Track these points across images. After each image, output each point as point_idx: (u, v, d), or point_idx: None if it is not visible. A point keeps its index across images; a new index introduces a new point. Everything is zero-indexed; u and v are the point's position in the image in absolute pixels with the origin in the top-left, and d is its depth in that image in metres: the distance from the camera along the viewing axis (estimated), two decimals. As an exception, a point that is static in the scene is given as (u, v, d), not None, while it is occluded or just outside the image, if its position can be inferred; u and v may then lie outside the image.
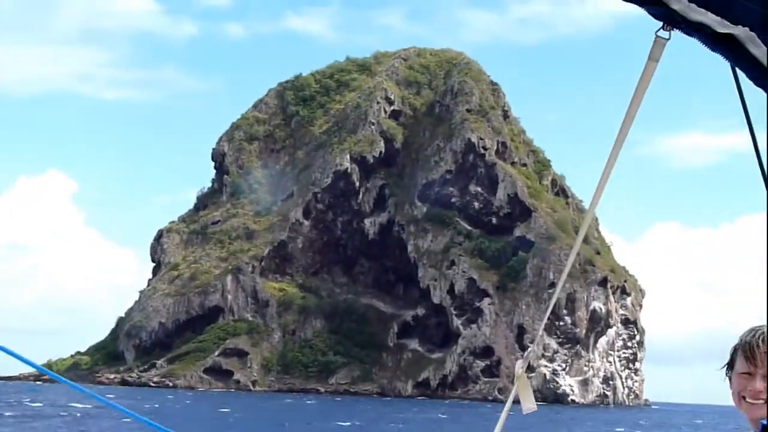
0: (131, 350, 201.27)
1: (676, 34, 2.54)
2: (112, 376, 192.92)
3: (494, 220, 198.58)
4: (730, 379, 3.49)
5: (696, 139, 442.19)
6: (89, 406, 78.31)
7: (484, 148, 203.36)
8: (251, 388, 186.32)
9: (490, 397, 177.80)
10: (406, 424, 73.96)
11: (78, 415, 72.88)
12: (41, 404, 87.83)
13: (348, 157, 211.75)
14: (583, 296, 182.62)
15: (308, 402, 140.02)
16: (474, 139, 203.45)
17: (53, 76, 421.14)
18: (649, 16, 2.45)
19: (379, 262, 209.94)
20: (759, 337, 3.38)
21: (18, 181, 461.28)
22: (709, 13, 2.43)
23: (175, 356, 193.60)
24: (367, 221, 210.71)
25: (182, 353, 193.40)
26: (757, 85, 2.61)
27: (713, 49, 2.55)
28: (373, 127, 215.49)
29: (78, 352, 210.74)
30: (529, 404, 3.46)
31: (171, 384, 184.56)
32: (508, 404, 3.43)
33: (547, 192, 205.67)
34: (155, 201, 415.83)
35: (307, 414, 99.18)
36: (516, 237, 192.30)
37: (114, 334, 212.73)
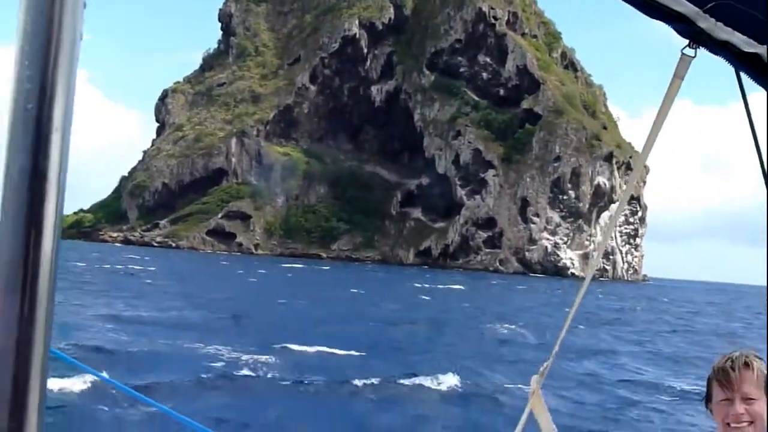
0: (134, 210, 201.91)
1: (702, 51, 2.51)
2: (115, 235, 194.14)
3: (502, 92, 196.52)
4: (711, 412, 3.52)
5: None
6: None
7: (495, 18, 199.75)
8: (253, 251, 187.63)
9: (491, 268, 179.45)
10: (430, 295, 73.90)
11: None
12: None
13: (357, 22, 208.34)
14: (588, 171, 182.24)
15: (324, 267, 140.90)
16: (485, 9, 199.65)
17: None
18: (675, 33, 2.42)
19: (384, 130, 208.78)
20: (733, 362, 3.41)
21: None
22: (736, 32, 2.39)
23: (178, 217, 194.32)
24: (373, 88, 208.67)
25: (185, 214, 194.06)
26: (757, 82, 2.55)
27: (738, 68, 2.52)
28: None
29: (81, 210, 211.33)
30: (548, 428, 3.23)
31: (173, 245, 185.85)
32: (523, 422, 3.21)
33: (556, 65, 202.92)
34: (158, 61, 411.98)
35: (332, 279, 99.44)
36: (523, 109, 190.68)
37: (117, 193, 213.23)
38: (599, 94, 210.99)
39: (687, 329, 54.93)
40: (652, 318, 64.78)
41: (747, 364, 3.37)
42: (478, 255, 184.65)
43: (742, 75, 2.55)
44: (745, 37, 2.40)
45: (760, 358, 3.33)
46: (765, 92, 2.55)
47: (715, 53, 2.45)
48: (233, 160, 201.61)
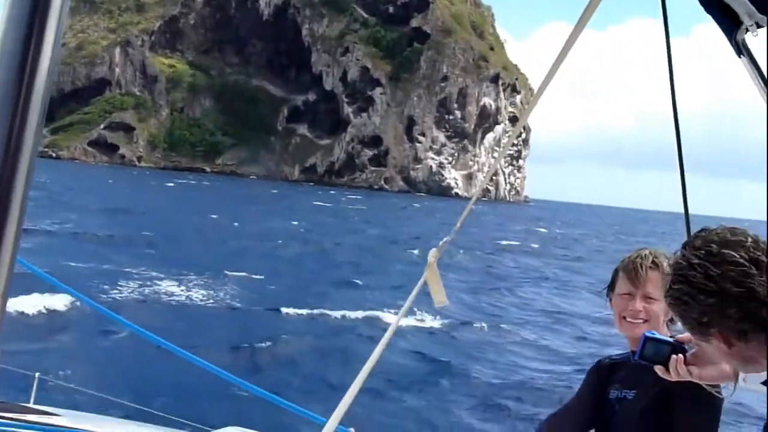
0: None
1: None
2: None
3: (391, 9, 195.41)
4: (610, 301, 3.56)
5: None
6: None
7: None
8: (137, 163, 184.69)
9: (376, 186, 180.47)
10: (335, 217, 73.81)
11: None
12: None
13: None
14: (474, 92, 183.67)
15: (205, 183, 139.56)
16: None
17: None
18: None
19: (272, 45, 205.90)
20: (642, 259, 3.46)
21: None
22: None
23: (59, 127, 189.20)
24: (261, 1, 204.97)
25: (66, 124, 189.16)
26: (708, 11, 2.56)
27: None
28: None
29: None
30: (440, 297, 3.34)
31: (54, 155, 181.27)
32: (414, 293, 3.25)
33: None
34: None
35: (223, 195, 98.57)
36: (412, 28, 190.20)
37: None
38: (487, 15, 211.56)
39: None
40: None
41: (655, 264, 3.39)
42: (364, 173, 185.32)
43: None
44: None
45: (669, 260, 2.90)
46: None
47: None
48: (117, 70, 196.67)
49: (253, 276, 28.39)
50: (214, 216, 57.50)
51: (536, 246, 60.51)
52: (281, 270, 30.96)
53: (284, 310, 21.94)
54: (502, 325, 23.16)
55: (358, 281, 29.81)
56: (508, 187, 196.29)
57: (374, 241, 49.45)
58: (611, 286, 3.54)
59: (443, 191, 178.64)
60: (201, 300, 23.39)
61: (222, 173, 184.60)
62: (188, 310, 21.78)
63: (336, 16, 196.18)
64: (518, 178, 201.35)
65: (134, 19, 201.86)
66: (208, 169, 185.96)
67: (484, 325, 22.72)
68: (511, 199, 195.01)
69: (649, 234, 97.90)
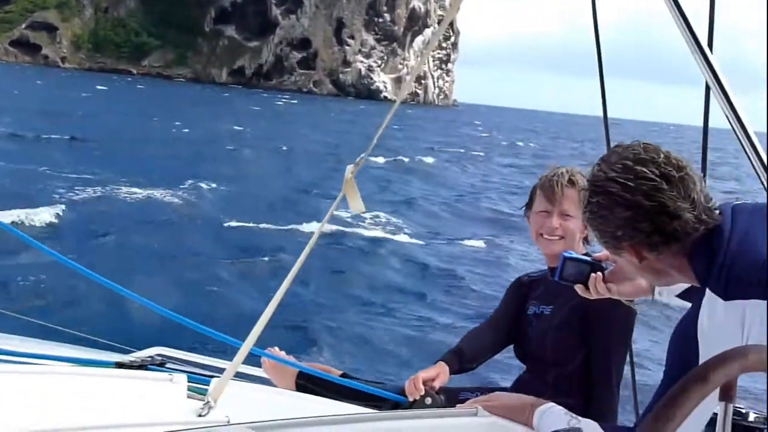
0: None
1: None
2: None
3: None
4: (528, 219, 3.72)
5: None
6: None
7: None
8: (60, 64, 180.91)
9: (305, 89, 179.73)
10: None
11: None
12: None
13: None
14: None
15: (140, 86, 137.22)
16: None
17: None
18: None
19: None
20: (559, 177, 3.55)
21: None
22: None
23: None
24: None
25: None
26: None
27: None
28: None
29: None
30: (357, 205, 3.36)
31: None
32: (333, 205, 3.37)
33: None
34: None
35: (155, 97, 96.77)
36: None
37: None
38: None
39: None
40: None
41: (572, 182, 3.53)
42: (292, 76, 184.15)
43: None
44: None
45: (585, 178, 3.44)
46: None
47: None
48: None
49: (218, 186, 27.88)
50: (156, 119, 57.03)
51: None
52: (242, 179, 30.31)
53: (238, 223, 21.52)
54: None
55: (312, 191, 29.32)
56: (436, 90, 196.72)
57: (321, 147, 49.27)
58: (529, 204, 3.73)
59: (372, 95, 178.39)
60: (165, 208, 23.09)
61: (148, 75, 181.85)
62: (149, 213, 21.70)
63: None
64: (447, 81, 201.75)
65: None
66: (134, 71, 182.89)
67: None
68: (440, 103, 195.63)
69: (585, 140, 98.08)
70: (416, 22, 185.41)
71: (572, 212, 3.50)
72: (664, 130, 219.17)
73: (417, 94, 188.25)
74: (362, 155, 3.32)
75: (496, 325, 3.89)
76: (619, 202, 2.08)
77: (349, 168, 3.37)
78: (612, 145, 2.32)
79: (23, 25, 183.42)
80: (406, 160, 43.68)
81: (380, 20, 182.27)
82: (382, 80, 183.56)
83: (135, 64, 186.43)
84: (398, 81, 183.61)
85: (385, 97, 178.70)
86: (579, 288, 2.83)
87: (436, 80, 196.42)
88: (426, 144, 59.96)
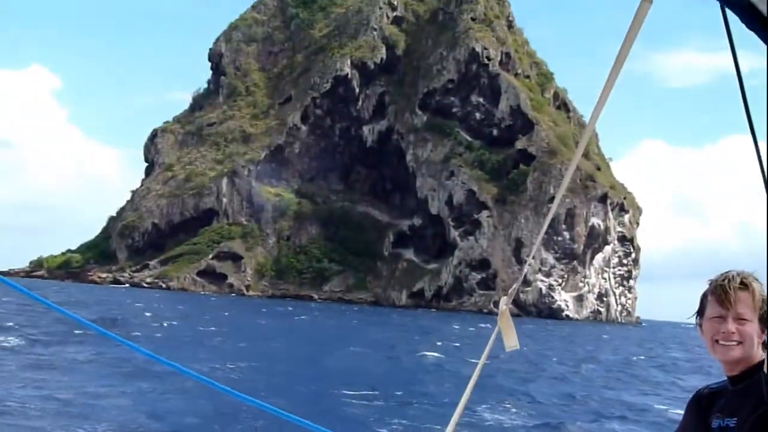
0: (123, 250, 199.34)
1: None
2: (104, 275, 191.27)
3: (495, 132, 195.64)
4: (700, 327, 3.52)
5: (687, 57, 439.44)
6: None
7: (488, 59, 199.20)
8: (245, 292, 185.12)
9: (485, 310, 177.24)
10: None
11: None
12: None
13: (348, 62, 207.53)
14: (582, 212, 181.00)
15: (316, 311, 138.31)
16: (478, 49, 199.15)
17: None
18: None
19: (376, 171, 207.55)
20: (730, 280, 3.39)
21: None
22: None
23: (168, 257, 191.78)
24: (365, 128, 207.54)
25: (175, 255, 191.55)
26: (750, 28, 2.47)
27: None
28: (374, 32, 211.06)
29: (69, 250, 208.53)
30: (512, 342, 3.38)
31: (164, 285, 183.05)
32: (492, 339, 3.32)
33: (549, 105, 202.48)
34: (139, 101, 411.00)
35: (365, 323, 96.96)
36: (517, 150, 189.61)
37: (105, 233, 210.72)
38: (592, 135, 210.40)
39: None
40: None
41: (745, 285, 3.32)
42: (472, 296, 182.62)
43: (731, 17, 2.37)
44: None
45: (758, 281, 3.29)
46: (760, 39, 2.41)
47: None
48: (224, 200, 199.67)
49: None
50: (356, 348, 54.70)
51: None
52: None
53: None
54: None
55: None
56: (619, 308, 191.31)
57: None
58: (700, 312, 3.46)
59: (553, 313, 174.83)
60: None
61: (329, 300, 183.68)
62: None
63: (440, 140, 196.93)
64: (629, 298, 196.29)
65: (240, 150, 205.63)
66: (316, 296, 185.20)
67: None
68: (623, 320, 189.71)
69: None
70: (596, 239, 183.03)
71: (748, 316, 3.35)
72: None
73: (599, 312, 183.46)
74: (514, 285, 3.44)
75: None
76: None
77: (504, 299, 3.41)
78: None
79: (210, 256, 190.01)
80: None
81: (559, 239, 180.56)
82: (563, 299, 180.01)
83: (316, 290, 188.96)
84: (580, 299, 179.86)
85: (567, 316, 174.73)
86: None
87: (618, 297, 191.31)
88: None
